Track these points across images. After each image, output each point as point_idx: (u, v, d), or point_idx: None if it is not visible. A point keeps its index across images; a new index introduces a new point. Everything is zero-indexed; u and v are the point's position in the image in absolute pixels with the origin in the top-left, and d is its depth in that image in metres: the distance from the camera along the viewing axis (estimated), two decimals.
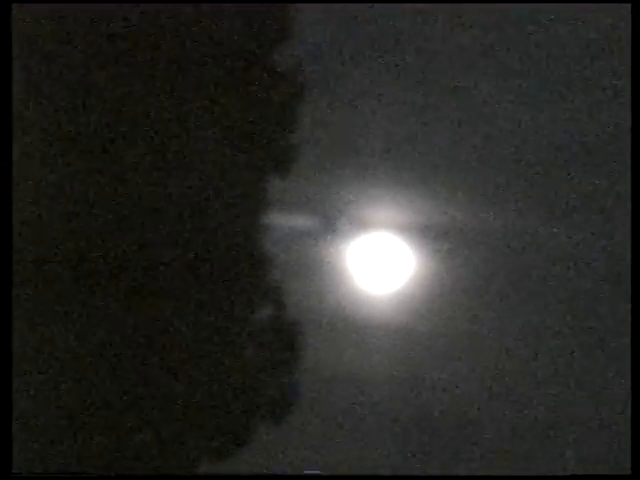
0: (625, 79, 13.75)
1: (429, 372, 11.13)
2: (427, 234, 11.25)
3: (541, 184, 12.98)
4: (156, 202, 10.23)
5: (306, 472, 12.12)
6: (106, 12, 11.11)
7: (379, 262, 11.25)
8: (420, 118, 11.80)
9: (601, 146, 12.41)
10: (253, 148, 9.99)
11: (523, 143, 12.01)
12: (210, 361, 10.07)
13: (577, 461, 12.73)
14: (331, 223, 11.29)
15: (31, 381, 11.90)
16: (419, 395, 11.05)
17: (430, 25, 12.76)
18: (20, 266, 11.04)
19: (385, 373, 10.70)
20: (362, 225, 11.32)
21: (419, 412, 10.92)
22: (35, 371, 11.86)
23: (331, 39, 10.46)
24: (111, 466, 11.05)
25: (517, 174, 12.75)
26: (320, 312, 10.47)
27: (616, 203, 12.09)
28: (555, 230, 12.70)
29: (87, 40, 11.19)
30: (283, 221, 10.50)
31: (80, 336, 11.43)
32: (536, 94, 13.24)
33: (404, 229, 11.17)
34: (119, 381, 10.54)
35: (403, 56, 11.58)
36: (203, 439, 10.27)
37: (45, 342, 11.67)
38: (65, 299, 11.20)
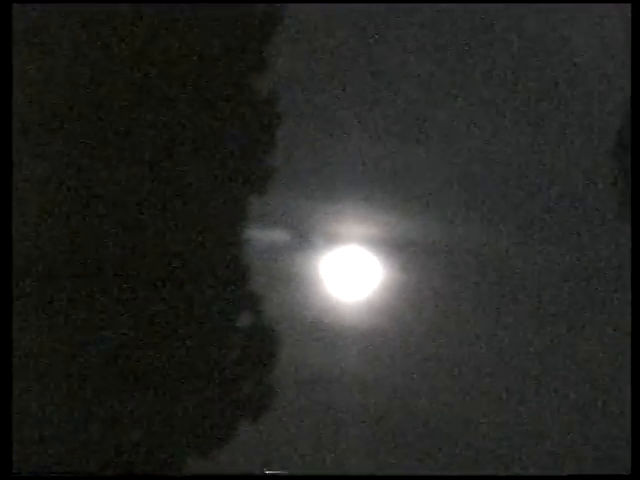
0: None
1: (396, 371, 11.83)
2: (393, 247, 11.88)
3: (506, 201, 13.72)
4: (138, 215, 10.86)
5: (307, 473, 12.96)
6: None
7: (350, 272, 11.86)
8: (389, 142, 12.52)
9: (569, 169, 13.08)
10: (234, 168, 10.66)
11: (491, 162, 12.68)
12: (193, 364, 10.68)
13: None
14: (305, 237, 11.87)
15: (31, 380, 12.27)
16: (387, 393, 11.75)
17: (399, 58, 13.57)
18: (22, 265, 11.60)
19: (355, 373, 11.35)
20: (334, 239, 11.90)
21: (386, 409, 11.61)
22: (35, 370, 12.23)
23: (308, 68, 11.20)
24: (101, 464, 11.51)
25: (482, 191, 13.49)
26: (295, 318, 11.04)
27: (580, 215, 12.81)
28: (513, 243, 13.47)
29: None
30: (261, 235, 11.09)
31: (68, 338, 11.92)
32: (502, 116, 14.02)
33: (372, 243, 11.77)
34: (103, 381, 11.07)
35: (378, 85, 12.36)
36: (189, 435, 10.84)
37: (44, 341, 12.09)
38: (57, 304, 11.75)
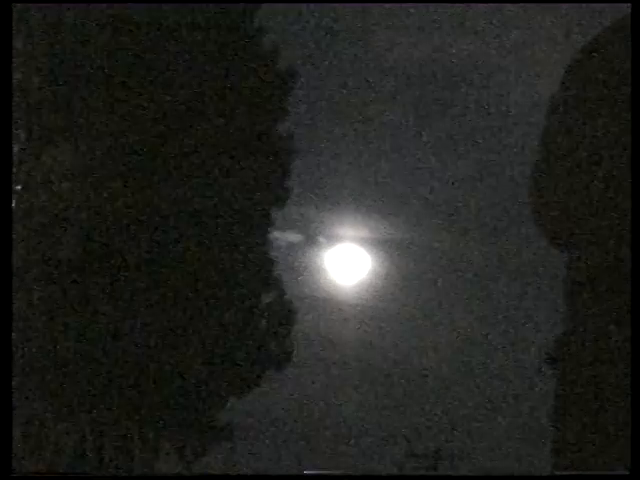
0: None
1: (386, 336, 14.73)
2: (380, 245, 15.31)
3: (464, 215, 16.89)
4: (187, 217, 13.60)
5: (306, 472, 14.04)
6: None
7: (347, 264, 15.35)
8: (381, 166, 15.53)
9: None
10: (261, 188, 13.68)
11: (451, 186, 15.81)
12: (232, 330, 13.46)
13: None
14: (313, 238, 14.92)
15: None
16: (379, 352, 14.69)
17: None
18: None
19: (354, 335, 14.17)
20: (335, 239, 15.34)
21: (377, 359, 14.57)
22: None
23: (320, 111, 14.31)
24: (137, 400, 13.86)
25: (448, 206, 16.63)
26: (307, 297, 14.53)
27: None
28: (472, 245, 16.55)
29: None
30: (282, 236, 14.43)
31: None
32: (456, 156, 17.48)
33: (364, 242, 15.14)
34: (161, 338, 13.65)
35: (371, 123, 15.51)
36: (227, 382, 13.54)
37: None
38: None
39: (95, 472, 13.60)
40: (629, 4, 12.14)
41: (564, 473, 14.69)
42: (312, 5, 15.97)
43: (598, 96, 15.81)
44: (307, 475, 15.99)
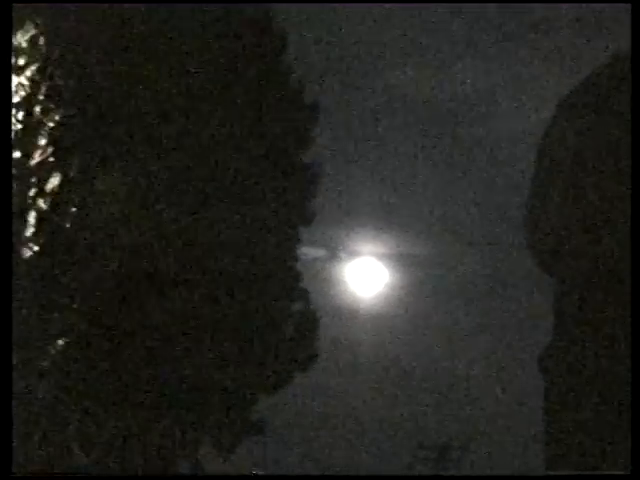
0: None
1: (396, 338, 16.25)
2: (394, 260, 17.05)
3: (468, 235, 18.54)
4: (226, 235, 14.86)
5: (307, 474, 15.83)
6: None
7: (365, 276, 16.66)
8: (394, 190, 17.26)
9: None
10: (291, 209, 15.02)
11: (455, 209, 17.53)
12: (262, 335, 14.77)
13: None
14: (333, 253, 16.66)
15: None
16: (392, 353, 16.11)
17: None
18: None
19: (371, 341, 15.66)
20: (354, 254, 16.92)
21: (392, 362, 15.96)
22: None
23: (342, 140, 15.97)
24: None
25: (453, 225, 18.28)
26: (330, 306, 15.60)
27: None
28: (473, 258, 18.24)
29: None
30: (308, 252, 15.84)
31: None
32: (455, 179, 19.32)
33: (379, 256, 16.86)
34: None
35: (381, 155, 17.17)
36: (258, 382, 14.86)
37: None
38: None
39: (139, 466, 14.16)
40: (629, 4, 12.43)
41: (564, 473, 16.12)
42: (335, 46, 17.85)
43: (588, 132, 17.29)
44: (307, 475, 16.10)
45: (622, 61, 16.88)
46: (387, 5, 18.14)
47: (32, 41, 13.70)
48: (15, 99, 13.86)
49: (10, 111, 11.95)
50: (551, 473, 16.38)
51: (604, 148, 16.89)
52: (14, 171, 13.59)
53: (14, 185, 13.58)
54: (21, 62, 13.72)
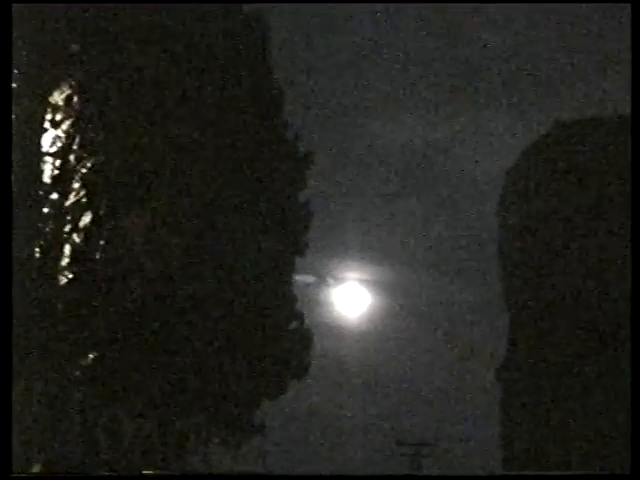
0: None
1: (378, 352, 17.78)
2: (376, 285, 18.29)
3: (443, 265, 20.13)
4: (233, 263, 16.06)
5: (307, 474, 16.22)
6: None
7: (350, 299, 17.84)
8: (378, 225, 18.82)
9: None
10: (286, 243, 16.08)
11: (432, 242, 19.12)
12: (263, 349, 15.96)
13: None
14: (323, 279, 17.91)
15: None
16: (374, 364, 17.67)
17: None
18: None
19: (356, 354, 17.21)
20: (340, 280, 18.04)
21: (374, 371, 17.48)
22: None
23: (331, 184, 17.52)
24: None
25: (432, 257, 19.84)
26: (321, 324, 16.84)
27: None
28: (449, 285, 19.79)
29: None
30: (301, 279, 16.81)
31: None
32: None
33: (363, 282, 18.12)
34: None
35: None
36: (260, 390, 16.11)
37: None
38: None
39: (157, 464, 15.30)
40: (629, 4, 12.47)
41: (564, 473, 16.82)
42: (328, 100, 19.57)
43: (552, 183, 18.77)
44: (307, 475, 17.87)
45: (566, 128, 18.72)
46: (373, 65, 20.34)
47: (67, 99, 14.79)
48: (52, 149, 14.91)
49: (10, 111, 11.90)
50: (551, 473, 17.06)
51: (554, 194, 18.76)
52: (52, 210, 14.75)
53: (51, 223, 14.91)
54: (58, 117, 14.82)
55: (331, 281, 17.36)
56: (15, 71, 14.68)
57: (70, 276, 14.73)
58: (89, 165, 14.84)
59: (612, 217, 18.17)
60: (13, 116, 14.56)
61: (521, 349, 18.21)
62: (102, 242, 14.87)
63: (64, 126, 14.88)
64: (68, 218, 14.76)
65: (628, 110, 18.10)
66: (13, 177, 14.28)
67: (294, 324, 16.34)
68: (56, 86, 14.86)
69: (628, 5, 13.11)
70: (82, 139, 14.91)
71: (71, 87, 14.93)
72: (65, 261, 14.80)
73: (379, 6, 21.23)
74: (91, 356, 14.99)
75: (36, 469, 14.95)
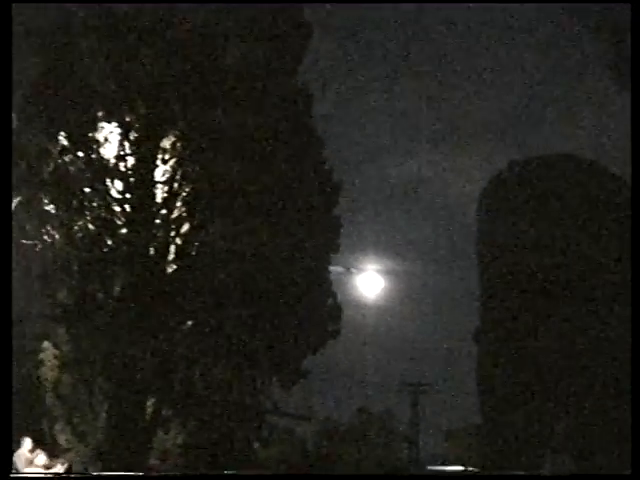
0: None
1: (393, 321, 21.32)
2: (392, 274, 20.69)
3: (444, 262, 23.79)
4: (287, 263, 17.88)
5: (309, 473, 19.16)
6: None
7: (369, 284, 20.05)
8: (390, 234, 22.47)
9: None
10: (324, 244, 18.71)
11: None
12: (308, 317, 18.28)
13: None
14: (349, 270, 20.14)
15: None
16: (387, 328, 21.23)
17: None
18: None
19: (374, 322, 20.60)
20: (363, 270, 20.25)
21: (387, 333, 21.04)
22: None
23: (355, 207, 20.50)
24: None
25: (436, 255, 23.55)
26: (348, 301, 19.43)
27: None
28: (444, 274, 23.49)
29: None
30: (332, 269, 19.35)
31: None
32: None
33: (379, 271, 20.14)
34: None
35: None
36: (308, 342, 18.41)
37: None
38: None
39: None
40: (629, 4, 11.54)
41: (564, 473, 17.88)
42: (356, 145, 23.05)
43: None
44: (307, 475, 19.53)
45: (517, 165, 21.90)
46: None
47: (173, 144, 17.41)
48: (162, 179, 17.42)
49: (10, 111, 11.57)
50: (551, 473, 18.53)
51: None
52: (162, 222, 17.34)
53: (162, 230, 17.31)
54: (166, 157, 17.36)
55: (355, 271, 20.13)
56: (137, 125, 17.30)
57: (174, 267, 17.40)
58: (187, 190, 17.49)
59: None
60: (133, 159, 17.39)
61: (491, 319, 21.90)
62: (196, 243, 17.58)
63: (170, 163, 17.42)
64: (173, 227, 17.40)
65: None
66: (136, 199, 17.24)
67: (329, 301, 18.98)
68: (165, 135, 17.43)
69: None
70: (183, 172, 17.46)
71: (175, 135, 17.43)
72: (171, 257, 17.38)
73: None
74: (189, 323, 17.70)
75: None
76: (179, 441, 18.08)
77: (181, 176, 17.68)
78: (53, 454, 16.37)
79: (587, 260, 20.41)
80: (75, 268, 17.09)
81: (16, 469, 15.29)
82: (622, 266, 20.40)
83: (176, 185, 17.62)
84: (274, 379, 18.62)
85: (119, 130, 17.30)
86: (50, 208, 17.07)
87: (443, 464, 26.02)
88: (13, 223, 15.18)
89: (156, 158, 17.60)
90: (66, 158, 17.27)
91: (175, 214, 17.60)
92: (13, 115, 16.73)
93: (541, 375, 20.67)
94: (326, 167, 19.25)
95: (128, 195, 17.26)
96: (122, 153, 17.33)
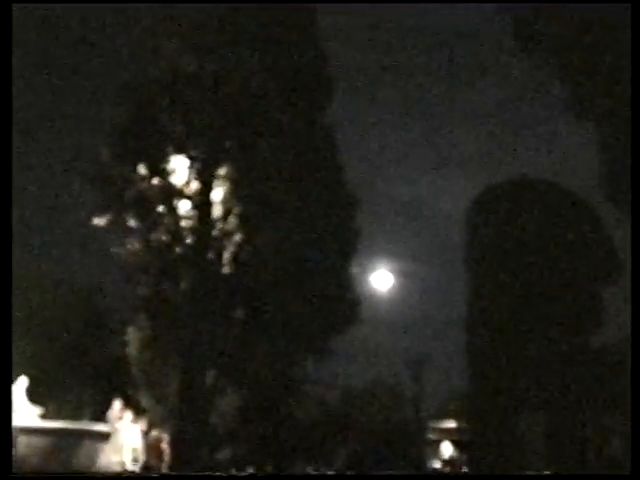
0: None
1: (401, 310, 22.61)
2: (401, 272, 22.27)
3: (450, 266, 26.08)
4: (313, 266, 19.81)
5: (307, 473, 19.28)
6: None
7: (381, 280, 21.79)
8: (396, 245, 24.60)
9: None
10: (347, 248, 20.47)
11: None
12: (332, 308, 19.96)
13: None
14: (365, 270, 22.25)
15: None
16: (396, 315, 22.80)
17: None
18: None
19: (386, 310, 21.26)
20: (376, 269, 22.34)
21: (397, 318, 22.61)
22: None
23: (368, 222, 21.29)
24: None
25: (442, 259, 26.19)
26: (364, 294, 21.05)
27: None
28: (449, 275, 25.92)
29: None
30: (354, 268, 20.91)
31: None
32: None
33: (390, 270, 21.94)
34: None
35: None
36: (334, 326, 20.17)
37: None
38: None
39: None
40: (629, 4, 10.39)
41: (564, 473, 19.22)
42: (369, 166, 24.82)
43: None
44: (307, 475, 20.40)
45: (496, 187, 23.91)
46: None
47: (227, 172, 19.62)
48: (219, 199, 19.44)
49: (10, 111, 10.62)
50: (550, 474, 20.05)
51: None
52: (219, 233, 19.22)
53: (218, 240, 19.10)
54: (222, 182, 19.58)
55: (370, 269, 22.62)
56: (199, 158, 19.35)
57: (229, 269, 19.28)
58: (239, 208, 19.78)
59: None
60: (196, 184, 19.19)
61: (479, 308, 24.66)
62: (246, 250, 19.54)
63: (225, 186, 19.81)
64: (227, 237, 19.59)
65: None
66: (199, 216, 19.23)
67: (349, 293, 20.89)
68: (221, 165, 19.75)
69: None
70: (235, 194, 19.83)
71: (229, 165, 19.74)
72: (225, 260, 19.33)
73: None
74: (240, 312, 19.50)
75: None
76: (234, 404, 19.79)
77: (234, 197, 19.56)
78: (137, 414, 17.96)
79: (559, 265, 23.00)
80: (151, 270, 18.54)
81: (110, 424, 16.82)
82: (594, 274, 23.03)
83: (229, 204, 19.52)
84: (307, 356, 20.52)
85: (186, 162, 19.02)
86: (132, 224, 18.61)
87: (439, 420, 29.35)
88: (104, 236, 17.67)
89: (213, 183, 19.46)
90: (144, 184, 18.85)
91: (229, 227, 19.43)
92: (105, 150, 19.56)
93: (521, 359, 23.30)
94: (347, 188, 21.31)
95: (192, 213, 18.92)
96: (187, 180, 19.08)
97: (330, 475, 20.97)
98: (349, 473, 23.45)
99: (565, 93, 16.33)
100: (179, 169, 19.39)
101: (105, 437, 16.63)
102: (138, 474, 16.25)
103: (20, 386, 16.66)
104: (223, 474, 18.48)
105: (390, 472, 22.97)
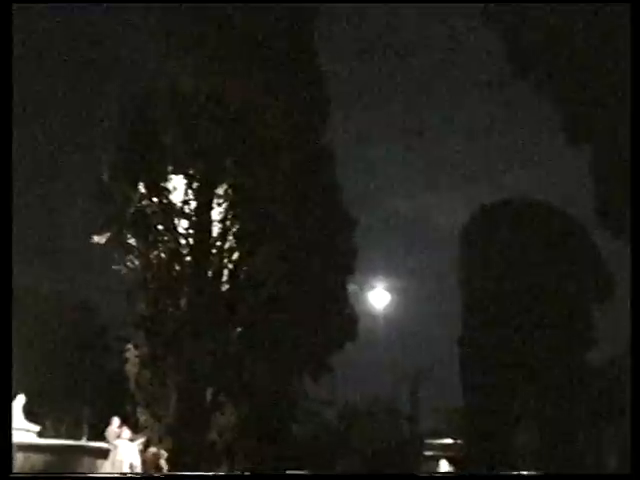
0: None
1: (396, 325, 22.49)
2: (396, 290, 22.01)
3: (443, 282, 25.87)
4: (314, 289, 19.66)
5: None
6: None
7: (378, 298, 21.71)
8: (394, 264, 24.48)
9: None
10: (343, 268, 20.19)
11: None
12: (330, 324, 19.62)
13: None
14: (362, 287, 21.81)
15: None
16: (394, 330, 22.25)
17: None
18: None
19: (383, 328, 21.24)
20: (373, 288, 22.01)
21: (394, 334, 22.42)
22: None
23: (366, 242, 21.03)
24: None
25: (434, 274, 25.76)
26: (362, 312, 20.44)
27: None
28: (444, 289, 25.51)
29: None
30: (350, 287, 20.65)
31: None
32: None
33: (386, 288, 21.71)
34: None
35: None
36: (333, 343, 19.89)
37: None
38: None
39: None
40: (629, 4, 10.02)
41: (564, 473, 19.26)
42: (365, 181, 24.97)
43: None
44: (307, 475, 19.70)
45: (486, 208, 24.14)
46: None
47: (225, 191, 19.30)
48: (218, 218, 19.21)
49: (10, 111, 10.12)
50: (551, 474, 20.03)
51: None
52: (216, 251, 19.02)
53: (216, 258, 19.00)
54: (220, 201, 19.40)
55: (367, 288, 22.29)
56: (198, 177, 19.15)
57: (227, 286, 19.09)
58: (236, 226, 19.51)
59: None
60: (195, 203, 19.03)
61: (472, 326, 24.54)
62: (244, 268, 19.38)
63: (223, 205, 19.53)
64: (226, 255, 19.33)
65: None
66: (197, 234, 18.94)
67: (347, 310, 20.90)
68: (219, 184, 19.62)
69: None
70: (233, 213, 19.61)
71: (227, 185, 19.58)
72: (224, 278, 19.13)
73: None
74: (238, 329, 19.21)
75: None
76: (232, 421, 19.22)
77: (232, 216, 19.36)
78: (135, 431, 17.42)
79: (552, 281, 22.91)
80: (151, 287, 18.23)
81: (108, 441, 16.19)
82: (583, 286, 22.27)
83: (228, 223, 19.29)
84: (305, 372, 20.26)
85: (184, 181, 18.79)
86: (132, 241, 18.36)
87: (436, 437, 28.89)
88: (104, 254, 17.33)
89: (212, 202, 19.19)
90: (144, 202, 18.61)
91: (227, 245, 19.17)
92: (104, 170, 19.37)
93: (509, 374, 23.18)
94: (344, 206, 21.20)
95: (191, 231, 18.67)
96: (186, 198, 18.83)
97: (327, 475, 20.47)
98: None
99: (560, 114, 16.30)
100: (179, 188, 19.21)
101: (103, 454, 16.12)
102: (138, 474, 15.89)
103: (18, 403, 16.01)
104: (223, 474, 17.76)
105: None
